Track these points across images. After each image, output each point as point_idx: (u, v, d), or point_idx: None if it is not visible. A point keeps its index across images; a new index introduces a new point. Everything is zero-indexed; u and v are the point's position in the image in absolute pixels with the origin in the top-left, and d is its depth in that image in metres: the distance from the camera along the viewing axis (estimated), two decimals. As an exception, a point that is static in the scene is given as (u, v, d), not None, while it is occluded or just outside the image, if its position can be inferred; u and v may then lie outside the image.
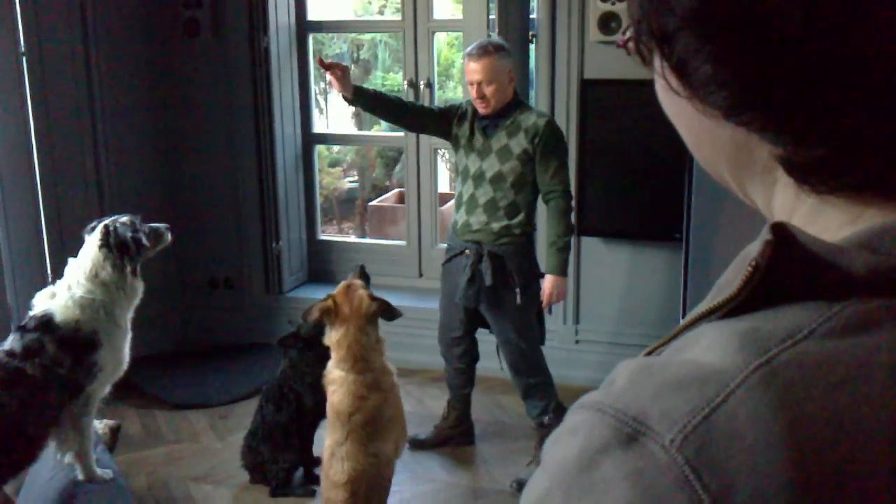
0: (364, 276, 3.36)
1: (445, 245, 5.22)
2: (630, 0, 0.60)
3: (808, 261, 0.52)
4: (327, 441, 3.11)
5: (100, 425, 3.41)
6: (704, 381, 0.49)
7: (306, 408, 3.88)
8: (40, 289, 2.87)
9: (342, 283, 3.22)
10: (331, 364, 3.13)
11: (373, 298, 3.14)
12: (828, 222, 0.56)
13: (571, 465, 0.51)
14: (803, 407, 0.47)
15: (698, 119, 0.59)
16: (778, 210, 0.60)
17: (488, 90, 3.71)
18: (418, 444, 4.28)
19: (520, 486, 4.05)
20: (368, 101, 3.85)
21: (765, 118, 0.55)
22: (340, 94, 3.81)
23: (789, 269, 0.53)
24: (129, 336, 2.88)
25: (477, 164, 3.84)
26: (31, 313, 2.72)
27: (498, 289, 3.86)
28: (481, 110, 3.78)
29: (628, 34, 0.63)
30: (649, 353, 0.60)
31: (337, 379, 3.07)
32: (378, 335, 3.16)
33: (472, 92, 3.75)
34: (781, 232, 0.53)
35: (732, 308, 0.54)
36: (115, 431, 3.61)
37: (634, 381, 0.52)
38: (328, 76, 3.73)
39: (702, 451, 0.47)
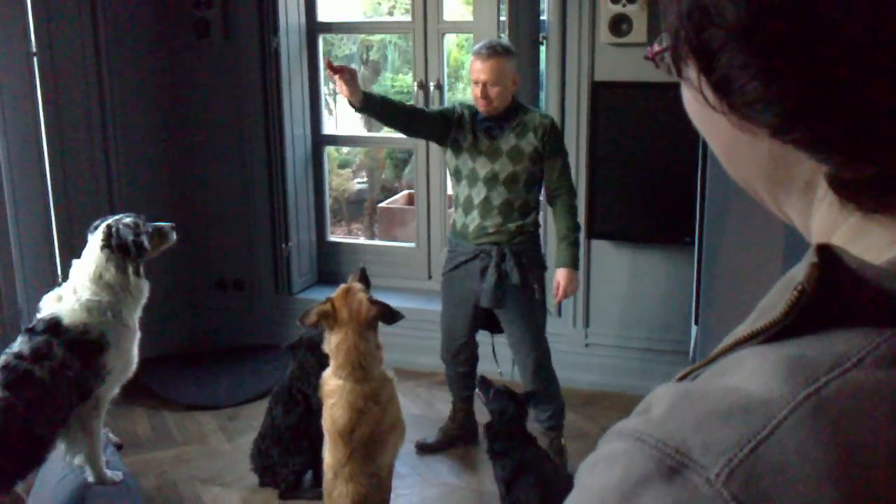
0: (365, 279, 3.28)
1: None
2: (666, 9, 0.57)
3: (856, 285, 0.50)
4: (328, 459, 3.05)
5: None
6: (750, 411, 0.47)
7: (315, 409, 3.87)
8: (51, 290, 2.87)
9: (341, 287, 3.14)
10: (328, 373, 3.04)
11: (372, 302, 3.06)
12: (872, 241, 0.54)
13: (610, 496, 0.49)
14: (855, 440, 0.45)
15: (734, 134, 0.57)
16: (818, 227, 0.58)
17: (493, 91, 3.71)
18: (426, 448, 4.28)
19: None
20: (375, 108, 3.79)
21: (816, 136, 0.52)
22: (347, 100, 3.76)
23: (836, 294, 0.50)
24: (138, 336, 2.87)
25: (487, 167, 3.82)
26: (38, 316, 2.72)
27: (520, 287, 3.86)
28: (481, 109, 3.78)
29: (658, 45, 0.61)
30: (685, 377, 0.58)
31: (335, 390, 2.99)
32: (378, 341, 3.09)
33: (476, 90, 3.75)
34: (827, 255, 0.51)
35: (775, 332, 0.52)
36: (117, 448, 3.61)
37: (675, 410, 0.50)
38: (335, 79, 3.67)
39: (748, 485, 0.45)
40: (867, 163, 0.52)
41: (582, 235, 4.17)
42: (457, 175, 3.95)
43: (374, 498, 2.99)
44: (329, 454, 3.04)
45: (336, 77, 3.63)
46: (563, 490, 3.18)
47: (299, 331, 3.98)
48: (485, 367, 4.26)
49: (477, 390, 3.79)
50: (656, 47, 0.61)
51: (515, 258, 3.84)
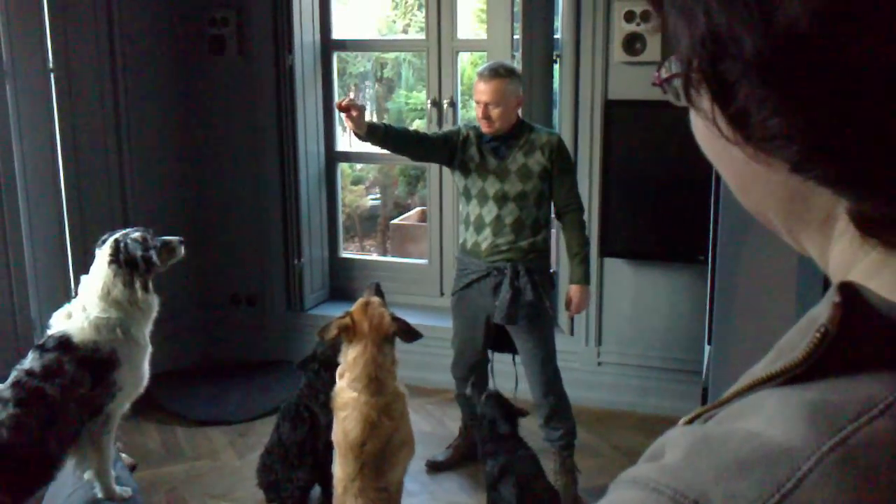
0: (379, 293, 3.32)
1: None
2: (677, 34, 0.54)
3: (881, 326, 0.48)
4: (339, 473, 3.04)
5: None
6: (773, 462, 0.44)
7: (321, 426, 3.86)
8: (64, 304, 2.87)
9: (359, 301, 3.18)
10: (341, 384, 3.04)
11: (394, 318, 3.11)
12: (894, 277, 0.52)
13: None
14: (886, 496, 0.43)
15: (748, 165, 0.54)
16: (836, 260, 0.55)
17: (494, 112, 3.74)
18: (437, 466, 4.26)
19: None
20: (378, 137, 3.84)
21: (840, 172, 0.50)
22: (353, 132, 3.87)
23: (860, 335, 0.48)
24: (149, 351, 2.87)
25: (497, 186, 3.84)
26: (48, 333, 2.72)
27: (534, 304, 3.86)
28: (484, 130, 3.80)
29: (665, 71, 0.58)
30: (696, 418, 0.55)
31: (349, 402, 2.99)
32: (394, 356, 3.11)
33: (478, 111, 3.79)
34: (851, 294, 0.49)
35: (796, 374, 0.49)
36: (131, 469, 3.59)
37: (693, 457, 0.47)
38: (344, 116, 3.76)
39: None
40: (893, 199, 0.49)
41: (592, 250, 4.18)
42: (466, 194, 3.95)
43: None
44: (339, 468, 3.03)
45: (344, 114, 3.73)
46: (539, 495, 3.18)
47: (312, 347, 3.98)
48: (499, 384, 4.23)
49: (468, 390, 3.83)
50: (664, 73, 0.58)
51: (529, 275, 3.85)
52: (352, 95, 3.84)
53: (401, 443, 3.08)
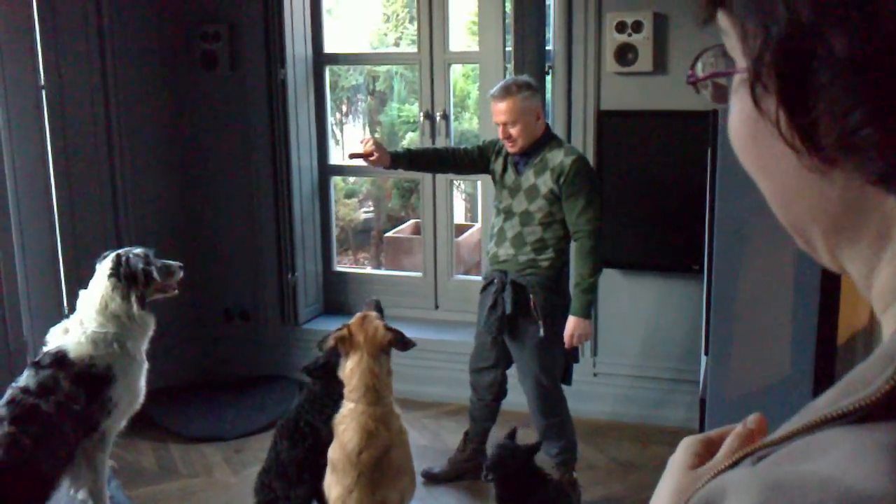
0: (379, 309, 3.36)
1: (462, 276, 5.22)
2: (748, 25, 0.49)
3: None
4: (336, 490, 3.04)
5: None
6: None
7: (322, 441, 3.81)
8: (56, 322, 2.86)
9: (358, 315, 3.22)
10: (343, 401, 3.13)
11: (388, 328, 3.15)
12: None
13: None
14: None
15: (799, 175, 0.50)
16: (883, 284, 0.51)
17: (514, 130, 3.71)
18: (432, 478, 4.23)
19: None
20: (404, 165, 3.91)
21: None
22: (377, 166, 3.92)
23: None
24: (146, 368, 2.86)
25: (508, 201, 3.87)
26: (44, 349, 2.71)
27: (520, 320, 3.83)
28: (510, 149, 3.80)
29: (701, 69, 0.54)
30: (749, 455, 0.51)
31: (347, 414, 3.06)
32: (389, 367, 3.16)
33: (500, 133, 3.77)
34: None
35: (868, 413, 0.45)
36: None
37: None
38: (361, 159, 3.84)
39: None
40: None
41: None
42: (494, 202, 4.00)
43: None
44: (337, 485, 3.03)
45: (363, 160, 3.81)
46: None
47: (306, 361, 3.95)
48: (513, 400, 4.18)
49: (484, 471, 3.62)
50: (699, 70, 0.55)
51: (517, 290, 3.82)
52: (365, 139, 3.86)
53: (399, 466, 3.08)
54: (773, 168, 0.52)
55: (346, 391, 3.09)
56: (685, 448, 0.67)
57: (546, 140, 3.80)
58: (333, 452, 3.05)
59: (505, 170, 3.88)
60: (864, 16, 0.42)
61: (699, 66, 0.55)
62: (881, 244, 0.50)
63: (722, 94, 0.54)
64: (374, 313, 3.23)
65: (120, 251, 2.86)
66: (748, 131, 0.52)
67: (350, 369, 3.09)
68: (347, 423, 3.04)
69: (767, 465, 0.47)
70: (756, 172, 0.55)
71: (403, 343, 3.18)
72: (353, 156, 3.84)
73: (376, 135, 7.75)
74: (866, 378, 0.46)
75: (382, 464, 3.01)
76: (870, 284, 0.52)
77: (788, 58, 0.46)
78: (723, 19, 0.52)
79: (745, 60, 0.50)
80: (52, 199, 4.55)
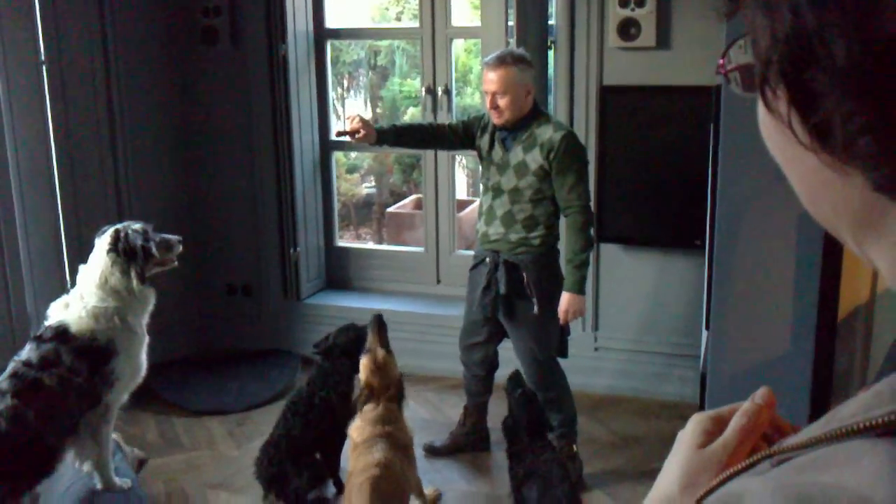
0: (381, 327, 3.45)
1: (463, 251, 5.23)
2: (755, 26, 0.49)
3: None
4: (352, 457, 3.22)
5: (129, 452, 3.41)
6: None
7: (338, 417, 3.80)
8: (59, 296, 2.86)
9: (366, 360, 3.34)
10: (360, 423, 3.31)
11: (397, 383, 3.35)
12: None
13: None
14: None
15: (821, 172, 0.50)
16: None
17: (502, 101, 3.68)
18: (434, 451, 4.27)
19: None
20: (391, 141, 3.89)
21: None
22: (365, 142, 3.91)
23: None
24: (147, 341, 2.87)
25: (496, 178, 3.82)
26: (46, 323, 2.72)
27: (514, 298, 3.84)
28: (495, 120, 3.76)
29: (734, 60, 0.53)
30: (767, 457, 0.50)
31: (359, 443, 3.25)
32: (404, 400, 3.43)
33: (487, 102, 3.73)
34: None
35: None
36: (141, 463, 3.60)
37: None
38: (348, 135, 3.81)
39: None
40: None
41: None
42: (481, 180, 3.96)
43: (396, 471, 3.10)
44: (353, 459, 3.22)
45: (350, 137, 3.79)
46: (560, 500, 3.18)
47: (308, 335, 3.98)
48: (504, 373, 4.22)
49: (506, 385, 3.78)
50: (731, 61, 0.54)
51: (510, 269, 3.82)
52: (352, 116, 3.82)
53: (406, 478, 3.26)
54: (796, 164, 0.52)
55: (361, 420, 3.28)
56: (695, 425, 0.67)
57: (534, 116, 3.76)
58: (353, 432, 3.25)
59: (492, 146, 3.84)
60: (862, 27, 0.42)
61: (730, 54, 0.54)
62: None
63: (751, 84, 0.53)
64: (381, 352, 3.34)
65: (118, 226, 2.85)
66: (770, 128, 0.52)
67: (366, 410, 3.30)
68: (358, 454, 3.20)
69: (789, 471, 0.46)
70: (784, 168, 0.54)
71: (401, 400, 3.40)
72: (339, 133, 3.82)
73: (378, 110, 7.72)
74: None
75: (396, 445, 3.20)
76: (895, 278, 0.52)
77: (793, 62, 0.46)
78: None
79: (756, 59, 0.50)
80: (53, 174, 4.55)
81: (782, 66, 0.47)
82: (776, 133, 0.52)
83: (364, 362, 3.30)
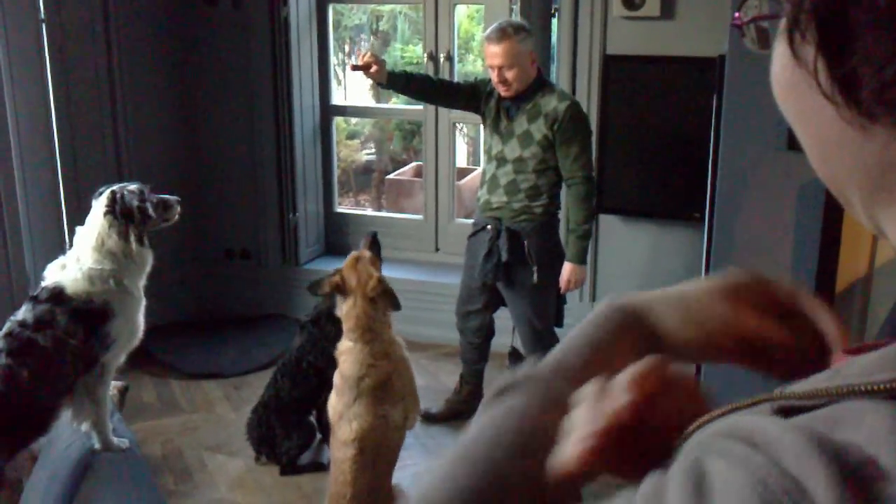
0: (375, 244, 3.35)
1: (463, 220, 5.22)
2: None
3: None
4: (336, 407, 3.11)
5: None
6: None
7: (325, 380, 3.85)
8: (58, 256, 2.86)
9: (351, 255, 3.21)
10: (343, 338, 3.16)
11: (380, 281, 3.11)
12: None
13: None
14: None
15: (839, 128, 0.47)
16: None
17: (509, 74, 3.65)
18: (430, 418, 4.29)
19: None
20: (400, 86, 3.86)
21: None
22: (374, 81, 3.85)
23: None
24: (144, 304, 2.87)
25: (499, 147, 3.82)
26: (42, 284, 2.72)
27: (515, 266, 3.84)
28: (503, 93, 3.74)
29: (751, 10, 0.52)
30: (767, 399, 0.49)
31: (346, 349, 3.11)
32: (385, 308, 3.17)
33: (493, 76, 3.70)
34: None
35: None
36: (122, 392, 3.61)
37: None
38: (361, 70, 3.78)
39: None
40: None
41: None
42: (484, 147, 3.95)
43: (378, 435, 3.01)
44: (337, 401, 3.11)
45: (363, 72, 3.75)
46: None
47: (306, 301, 3.98)
48: (501, 341, 4.26)
49: (507, 362, 3.78)
50: (746, 13, 0.52)
51: (512, 237, 3.82)
52: (363, 52, 3.79)
53: (401, 387, 3.12)
54: (812, 119, 0.50)
55: (344, 330, 3.12)
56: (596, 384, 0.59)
57: (539, 85, 3.74)
58: (336, 378, 3.10)
59: (497, 115, 3.82)
60: None
61: (745, 9, 0.53)
62: None
63: (765, 40, 0.51)
64: (367, 254, 3.21)
65: (115, 187, 2.83)
66: (788, 79, 0.50)
67: (346, 312, 3.11)
68: (346, 356, 3.09)
69: (804, 422, 0.45)
70: (795, 123, 0.52)
71: (390, 304, 3.16)
72: (354, 68, 3.81)
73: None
74: None
75: (383, 384, 3.07)
76: None
77: (828, 3, 0.44)
78: None
79: (786, 4, 0.48)
80: (52, 134, 4.53)
81: (817, 9, 0.45)
82: (796, 84, 0.49)
83: (347, 260, 3.18)
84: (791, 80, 0.49)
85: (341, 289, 3.11)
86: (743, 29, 0.53)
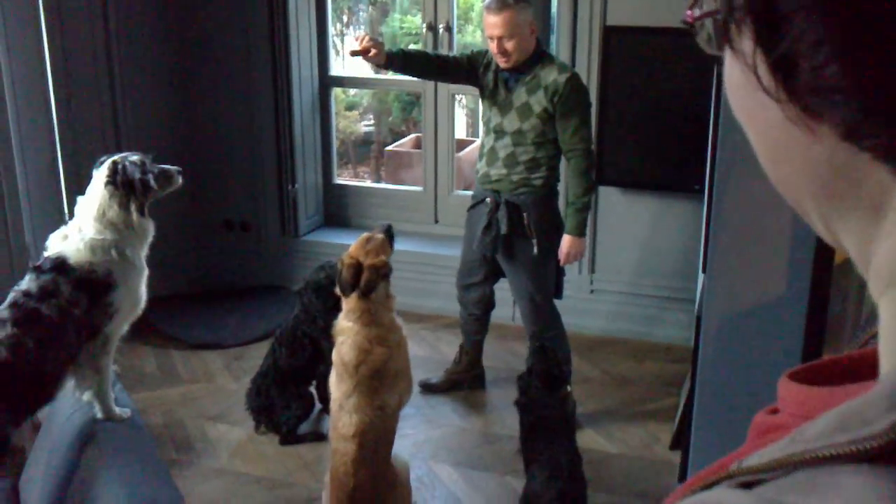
0: (389, 235, 3.31)
1: (462, 191, 5.22)
2: None
3: None
4: (335, 394, 3.12)
5: None
6: None
7: (324, 350, 3.89)
8: (57, 227, 2.86)
9: (362, 236, 3.20)
10: (341, 316, 3.14)
11: (378, 267, 3.08)
12: None
13: None
14: None
15: (786, 130, 0.45)
16: (881, 263, 0.45)
17: (509, 45, 3.63)
18: (429, 388, 4.32)
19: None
20: (398, 65, 3.82)
21: None
22: (373, 64, 3.84)
23: None
24: (146, 274, 2.87)
25: (498, 119, 3.80)
26: (45, 254, 2.72)
27: (514, 238, 3.85)
28: (502, 65, 3.71)
29: (699, 8, 0.49)
30: (726, 477, 0.46)
31: (345, 329, 3.09)
32: (388, 291, 3.14)
33: (493, 47, 3.67)
34: None
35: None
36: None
37: None
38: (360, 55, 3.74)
39: None
40: None
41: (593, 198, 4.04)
42: (482, 119, 3.93)
43: (378, 428, 3.03)
44: (335, 388, 3.11)
45: (363, 57, 3.71)
46: (560, 453, 3.17)
47: (305, 272, 4.00)
48: (501, 313, 4.27)
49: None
50: (697, 10, 0.49)
51: (511, 209, 3.82)
52: (360, 36, 3.76)
53: (396, 372, 3.13)
54: (761, 123, 0.47)
55: (345, 309, 3.10)
56: None
57: (538, 57, 3.72)
58: (335, 357, 3.10)
59: (495, 86, 3.80)
60: None
61: (698, 5, 0.49)
62: (876, 217, 0.44)
63: (719, 40, 0.48)
64: (379, 236, 3.20)
65: (116, 157, 2.82)
66: (734, 80, 0.48)
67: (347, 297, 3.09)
68: (345, 337, 3.07)
69: (771, 493, 0.42)
70: (746, 126, 0.50)
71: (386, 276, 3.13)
72: (352, 53, 3.79)
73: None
74: (865, 415, 0.40)
75: (380, 372, 3.06)
76: (866, 263, 0.47)
77: None
78: None
79: None
80: (50, 104, 4.52)
81: None
82: (742, 85, 0.47)
83: (359, 239, 3.19)
84: (737, 81, 0.47)
85: (358, 270, 3.07)
86: (695, 27, 0.49)
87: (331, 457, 3.13)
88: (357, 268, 3.06)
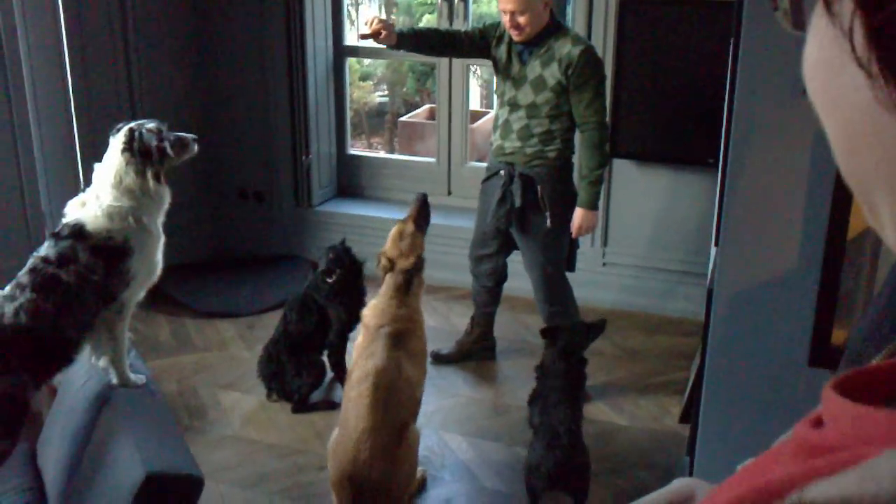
0: (424, 208, 3.44)
1: (476, 163, 5.21)
2: None
3: None
4: (354, 354, 3.28)
5: None
6: None
7: (332, 319, 3.95)
8: (73, 195, 2.87)
9: (395, 229, 3.37)
10: (375, 298, 3.38)
11: (413, 263, 3.32)
12: None
13: None
14: None
15: (872, 112, 0.41)
16: None
17: (521, 19, 3.62)
18: (440, 359, 4.35)
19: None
20: (410, 45, 3.83)
21: None
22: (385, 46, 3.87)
23: None
24: (163, 241, 2.89)
25: (512, 92, 3.79)
26: (63, 221, 2.74)
27: (528, 211, 3.85)
28: (515, 38, 3.70)
29: None
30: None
31: (373, 305, 3.33)
32: (421, 278, 3.35)
33: (505, 21, 3.66)
34: None
35: None
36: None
37: None
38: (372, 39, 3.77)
39: None
40: None
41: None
42: (497, 92, 3.92)
43: (391, 379, 3.10)
44: (357, 352, 3.29)
45: (373, 39, 3.74)
46: (555, 422, 3.21)
47: (319, 241, 4.04)
48: (512, 285, 4.30)
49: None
50: None
51: (525, 182, 3.82)
52: (370, 19, 3.76)
53: (416, 353, 3.27)
54: (843, 103, 0.43)
55: (380, 292, 3.33)
56: None
57: (553, 29, 3.70)
58: (361, 326, 3.32)
59: (509, 59, 3.78)
60: None
61: None
62: None
63: (800, 18, 0.45)
64: (411, 228, 3.35)
65: (132, 125, 2.83)
66: (819, 56, 0.44)
67: (385, 280, 3.34)
68: (372, 311, 3.30)
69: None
70: (823, 109, 0.46)
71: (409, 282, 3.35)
72: (363, 37, 3.80)
73: (392, 17, 7.60)
74: None
75: (401, 335, 3.22)
76: None
77: None
78: None
79: None
80: (66, 74, 4.52)
81: None
82: (828, 62, 0.43)
83: (392, 231, 3.40)
84: (822, 57, 0.44)
85: (392, 266, 3.32)
86: (778, 3, 0.47)
87: (341, 413, 3.22)
88: (391, 269, 3.30)
